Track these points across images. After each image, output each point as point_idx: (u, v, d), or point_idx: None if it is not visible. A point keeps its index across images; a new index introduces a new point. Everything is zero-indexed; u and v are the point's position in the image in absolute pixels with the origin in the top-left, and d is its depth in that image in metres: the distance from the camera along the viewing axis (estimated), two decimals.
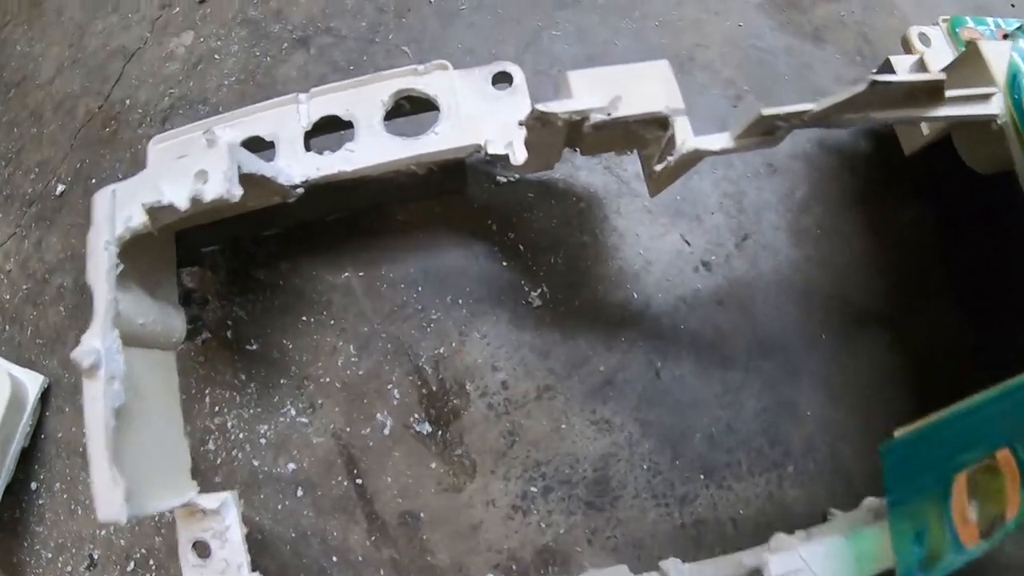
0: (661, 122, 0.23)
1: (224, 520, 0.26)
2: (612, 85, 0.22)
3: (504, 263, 0.30)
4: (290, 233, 0.32)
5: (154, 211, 0.23)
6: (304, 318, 0.31)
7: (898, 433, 0.23)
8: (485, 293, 0.30)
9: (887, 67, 0.33)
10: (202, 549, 0.27)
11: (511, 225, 0.31)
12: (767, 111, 0.21)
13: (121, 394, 0.23)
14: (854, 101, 0.21)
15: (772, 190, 0.33)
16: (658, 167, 0.24)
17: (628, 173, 0.31)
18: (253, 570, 0.26)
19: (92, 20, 0.40)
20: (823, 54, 0.37)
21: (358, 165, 0.27)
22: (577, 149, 0.26)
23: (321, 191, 0.29)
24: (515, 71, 0.27)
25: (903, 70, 0.33)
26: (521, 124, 0.23)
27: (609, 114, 0.21)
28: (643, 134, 0.23)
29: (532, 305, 0.30)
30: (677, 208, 0.31)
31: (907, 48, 0.36)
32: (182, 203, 0.22)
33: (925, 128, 0.33)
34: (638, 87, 0.22)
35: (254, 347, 0.31)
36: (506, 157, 0.25)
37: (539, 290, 0.30)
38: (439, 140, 0.27)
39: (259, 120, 0.28)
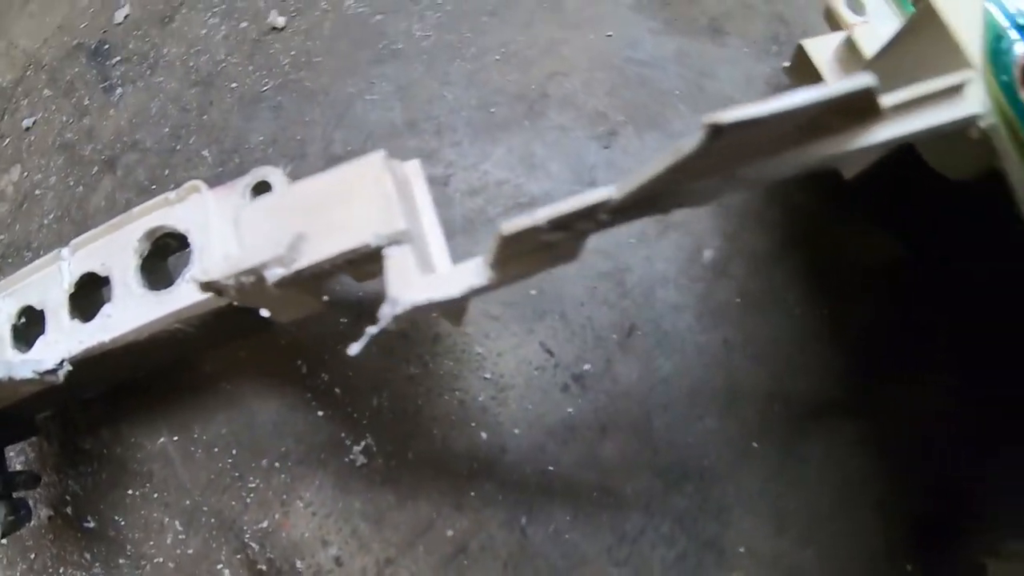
0: (371, 257, 0.14)
1: None
2: (299, 213, 0.14)
3: (320, 412, 0.23)
4: (111, 397, 0.26)
5: None
6: (130, 491, 0.26)
7: None
8: (304, 452, 0.23)
9: (800, 57, 0.22)
10: None
11: (323, 364, 0.23)
12: (509, 228, 0.12)
13: None
14: (690, 166, 0.11)
15: (667, 256, 0.23)
16: (381, 328, 0.15)
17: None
18: None
19: None
20: (725, 52, 0.26)
21: (115, 333, 0.21)
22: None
23: (108, 356, 0.22)
24: (276, 177, 0.19)
25: (823, 59, 0.21)
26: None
27: (287, 271, 0.13)
28: (367, 271, 0.15)
29: (356, 463, 0.22)
30: (533, 307, 0.22)
31: (832, 23, 0.24)
32: None
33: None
34: (338, 209, 0.14)
35: (92, 525, 0.26)
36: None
37: (363, 443, 0.22)
38: (191, 291, 0.19)
39: (28, 287, 0.22)
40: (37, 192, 0.32)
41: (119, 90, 0.32)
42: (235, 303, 0.20)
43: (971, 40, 0.16)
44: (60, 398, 0.28)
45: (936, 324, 0.24)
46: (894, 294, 0.25)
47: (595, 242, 0.23)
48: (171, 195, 0.23)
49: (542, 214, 0.13)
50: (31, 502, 0.27)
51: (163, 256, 0.25)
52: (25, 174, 0.33)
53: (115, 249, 0.23)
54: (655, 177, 0.12)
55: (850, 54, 0.21)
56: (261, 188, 0.22)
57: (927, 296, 0.24)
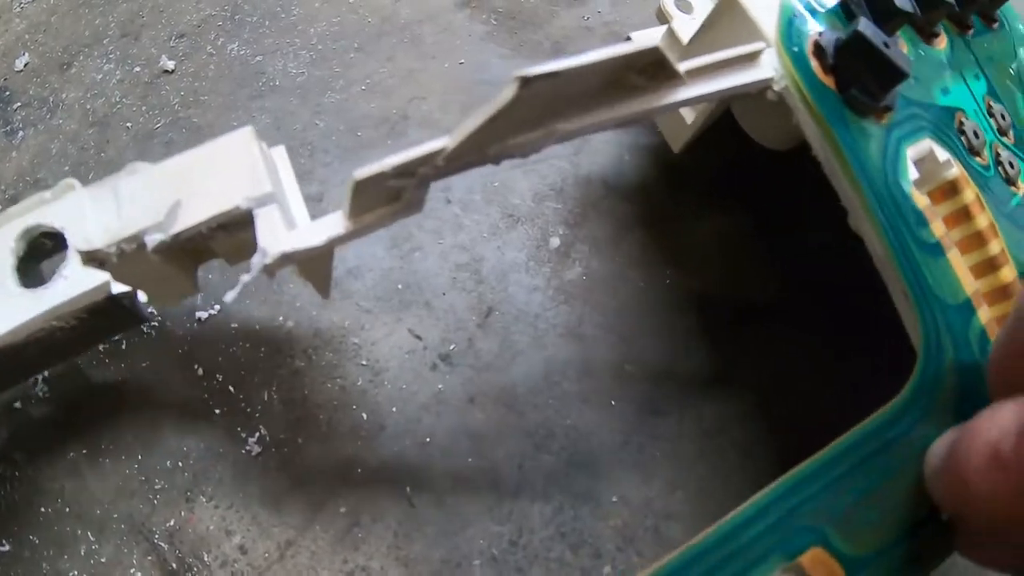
0: (242, 223, 0.14)
1: None
2: (174, 184, 0.14)
3: (217, 411, 0.23)
4: (12, 414, 0.25)
5: None
6: (43, 509, 0.25)
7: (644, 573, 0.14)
8: (203, 450, 0.23)
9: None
10: None
11: (218, 366, 0.23)
12: (361, 173, 0.13)
13: None
14: (509, 117, 0.12)
15: (517, 246, 0.24)
16: (246, 281, 0.15)
17: (338, 272, 0.23)
18: None
19: None
20: None
21: None
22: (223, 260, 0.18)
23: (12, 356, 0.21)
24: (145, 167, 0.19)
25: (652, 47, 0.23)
26: (80, 254, 0.15)
27: (165, 234, 0.13)
28: (239, 240, 0.15)
29: (252, 453, 0.22)
30: (400, 298, 0.23)
31: (663, 21, 0.26)
32: None
33: (687, 114, 0.23)
34: (209, 179, 0.14)
35: (7, 548, 0.25)
36: (133, 296, 0.17)
37: (257, 434, 0.23)
38: (67, 286, 0.19)
39: None
40: None
41: (20, 133, 0.31)
42: (110, 294, 0.19)
43: (767, 20, 0.17)
44: None
45: (769, 285, 0.26)
46: (728, 263, 0.27)
47: (452, 239, 0.24)
48: (46, 194, 0.22)
49: (388, 161, 0.14)
50: None
51: (38, 258, 0.23)
52: None
53: None
54: (480, 126, 0.13)
55: (671, 42, 0.23)
56: None
57: (763, 263, 0.26)
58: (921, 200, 0.16)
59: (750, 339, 0.27)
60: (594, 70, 0.13)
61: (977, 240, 0.17)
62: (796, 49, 0.17)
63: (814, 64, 0.16)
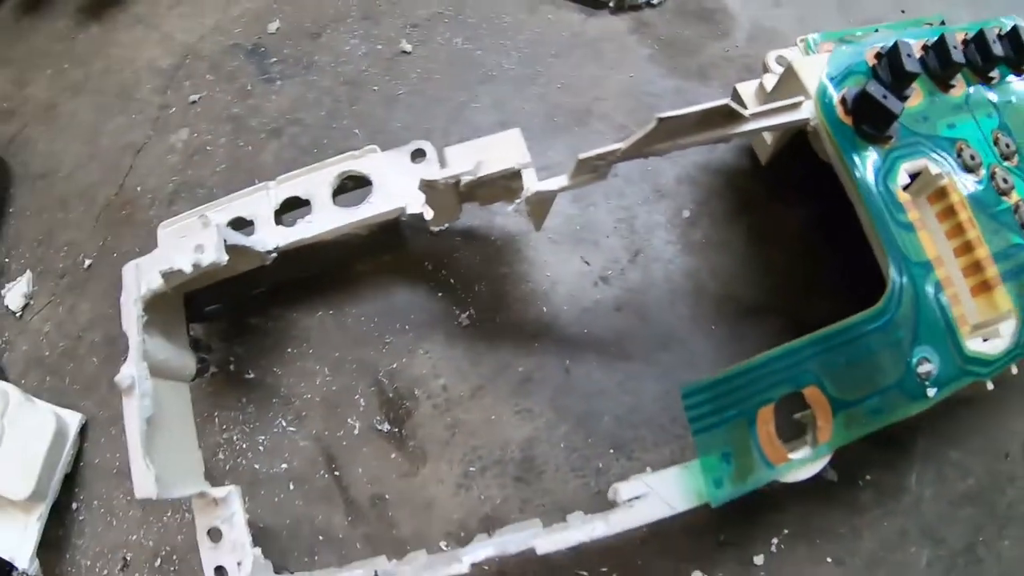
0: (516, 175, 0.37)
1: (230, 508, 0.40)
2: (477, 153, 0.37)
3: (439, 295, 0.45)
4: (276, 290, 0.48)
5: (167, 275, 0.37)
6: (289, 350, 0.46)
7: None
8: (426, 318, 0.45)
9: (736, 95, 0.47)
10: (215, 534, 0.41)
11: (443, 265, 0.45)
12: (583, 155, 0.35)
13: (150, 407, 0.37)
14: (652, 136, 0.34)
15: (661, 212, 0.47)
16: (515, 207, 0.38)
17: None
18: (255, 546, 0.40)
19: (103, 121, 0.57)
20: (708, 90, 0.51)
21: (315, 232, 0.41)
22: (477, 203, 0.41)
23: (294, 254, 0.44)
24: (427, 147, 0.42)
25: (748, 95, 0.45)
26: (418, 190, 0.38)
27: (475, 175, 0.36)
28: (507, 185, 0.38)
29: (462, 325, 0.44)
30: (577, 236, 0.46)
31: (764, 71, 0.50)
32: (187, 268, 0.37)
33: (768, 138, 0.47)
34: (496, 152, 0.37)
35: (251, 376, 0.46)
36: (421, 215, 0.41)
37: (467, 312, 0.44)
38: (371, 208, 0.41)
39: (240, 204, 0.43)
40: (207, 148, 0.54)
41: (278, 82, 0.55)
42: (401, 216, 0.42)
43: (811, 82, 0.36)
44: (233, 293, 0.48)
45: (836, 260, 0.48)
46: (807, 241, 0.49)
47: (617, 201, 0.48)
48: (355, 152, 0.45)
49: (595, 151, 0.37)
50: None
51: (342, 192, 0.46)
52: (195, 135, 0.55)
53: (314, 182, 0.45)
54: (639, 139, 0.35)
55: (760, 91, 0.43)
56: (417, 154, 0.45)
57: (832, 243, 0.48)
58: (903, 196, 0.34)
59: (819, 299, 0.45)
60: (694, 115, 0.33)
61: (959, 229, 0.34)
62: (827, 101, 0.36)
63: (839, 110, 0.35)
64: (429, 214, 0.40)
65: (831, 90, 0.38)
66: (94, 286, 0.50)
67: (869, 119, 0.36)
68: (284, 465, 0.44)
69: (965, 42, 0.42)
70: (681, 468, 0.32)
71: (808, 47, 0.48)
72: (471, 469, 0.41)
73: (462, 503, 0.41)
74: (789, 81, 0.39)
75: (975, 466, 0.42)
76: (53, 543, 0.44)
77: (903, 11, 0.58)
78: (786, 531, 0.40)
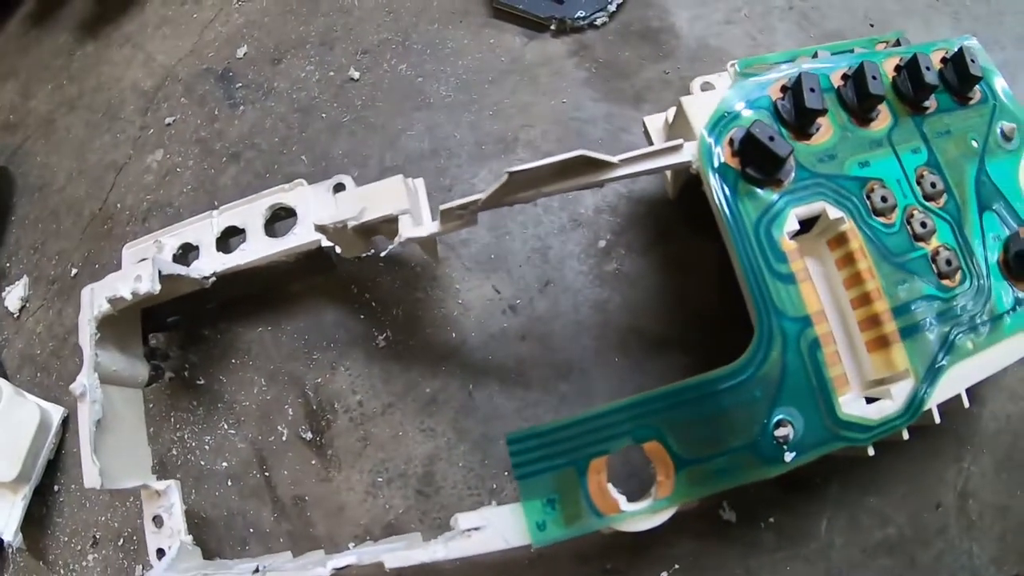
0: (394, 220, 0.41)
1: (170, 499, 0.47)
2: (364, 199, 0.40)
3: (361, 316, 0.49)
4: (224, 305, 0.53)
5: (112, 301, 0.44)
6: (233, 361, 0.52)
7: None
8: (348, 338, 0.49)
9: (645, 128, 0.48)
10: (158, 521, 0.48)
11: (367, 288, 0.49)
12: (444, 206, 0.37)
13: (99, 412, 0.44)
14: (508, 188, 0.37)
15: (576, 242, 0.49)
16: (389, 249, 0.42)
17: (454, 239, 0.50)
18: (189, 534, 0.47)
19: (92, 138, 0.64)
20: (639, 114, 0.52)
21: (247, 260, 0.46)
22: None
23: (240, 274, 0.50)
24: (347, 182, 0.46)
25: (655, 129, 0.42)
26: (316, 227, 0.42)
27: (358, 220, 0.40)
28: (389, 228, 0.41)
29: (379, 346, 0.48)
30: (491, 264, 0.49)
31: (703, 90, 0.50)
32: (127, 295, 0.43)
33: (668, 176, 0.47)
34: (380, 198, 0.40)
35: (202, 382, 0.53)
36: (332, 248, 0.45)
37: (384, 334, 0.49)
38: (295, 239, 0.46)
39: (189, 231, 0.49)
40: (178, 169, 0.60)
41: (241, 107, 0.60)
42: (321, 245, 0.47)
43: (699, 122, 0.35)
44: (190, 306, 0.55)
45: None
46: (722, 276, 0.49)
47: (533, 230, 0.50)
48: (285, 186, 0.50)
49: (456, 202, 0.39)
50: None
51: (275, 221, 0.52)
52: (167, 156, 0.61)
53: (250, 213, 0.50)
54: (495, 191, 0.36)
55: (666, 125, 0.41)
56: (339, 187, 0.49)
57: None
58: (788, 245, 0.32)
59: (721, 332, 0.50)
60: (549, 167, 0.34)
61: (858, 278, 0.33)
62: (707, 145, 0.35)
63: (726, 151, 0.34)
64: (338, 248, 0.44)
65: (711, 137, 0.36)
66: (79, 294, 0.57)
67: (756, 162, 0.34)
68: (224, 464, 0.50)
69: (897, 68, 0.39)
70: (516, 506, 0.33)
71: (739, 72, 0.48)
72: (379, 479, 0.46)
73: (369, 510, 0.46)
74: (680, 119, 0.38)
75: (896, 515, 0.42)
76: (36, 520, 0.53)
77: (872, 24, 0.57)
78: (676, 566, 0.42)
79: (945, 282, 0.35)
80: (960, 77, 0.39)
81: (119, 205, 0.59)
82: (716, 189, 0.35)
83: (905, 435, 0.34)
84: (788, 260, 0.34)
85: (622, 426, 0.33)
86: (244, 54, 0.61)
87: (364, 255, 0.47)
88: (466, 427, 0.46)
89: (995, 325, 0.36)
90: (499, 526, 0.35)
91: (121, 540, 0.51)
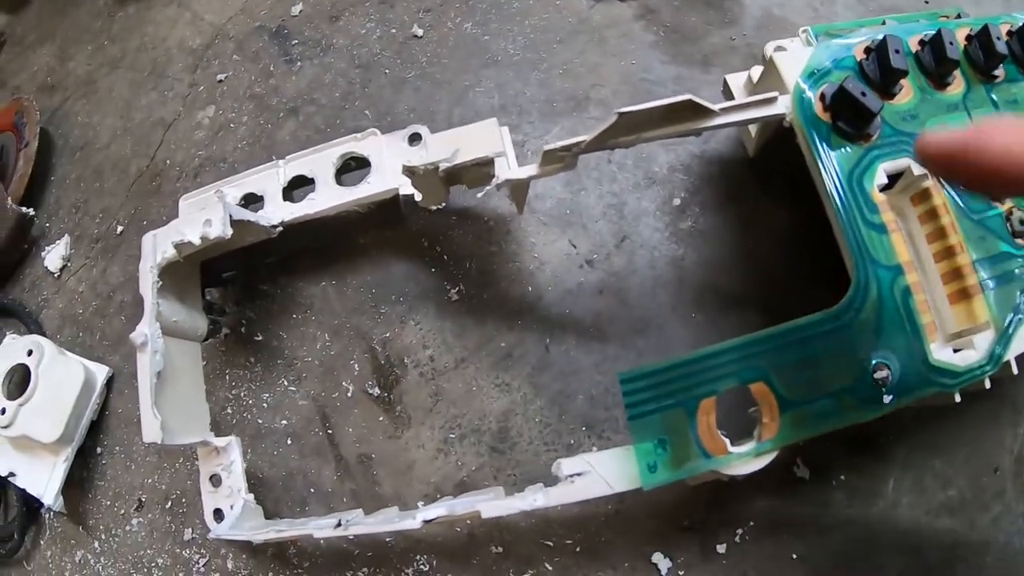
0: (490, 162, 0.41)
1: (230, 456, 0.46)
2: (456, 141, 0.40)
3: (432, 270, 0.49)
4: (286, 260, 0.53)
5: (179, 246, 0.43)
6: (294, 316, 0.52)
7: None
8: (419, 292, 0.49)
9: (725, 86, 0.49)
10: (216, 480, 0.47)
11: (438, 242, 0.49)
12: (548, 146, 0.38)
13: (161, 363, 0.43)
14: (614, 130, 0.36)
15: (651, 199, 0.49)
16: (485, 193, 0.42)
17: (532, 195, 0.50)
18: (249, 492, 0.46)
19: (137, 96, 0.64)
20: (709, 77, 0.53)
21: (317, 209, 0.46)
22: (464, 185, 0.45)
23: (303, 227, 0.49)
24: (424, 132, 0.46)
25: (737, 86, 0.44)
26: (401, 174, 0.42)
27: (451, 162, 0.40)
28: (483, 172, 0.41)
29: (452, 299, 0.48)
30: (567, 219, 0.49)
31: (760, 63, 0.51)
32: (196, 240, 0.42)
33: (752, 131, 0.48)
34: (474, 140, 0.40)
35: (260, 338, 0.52)
36: (412, 196, 0.45)
37: (457, 288, 0.48)
38: (368, 188, 0.45)
39: (252, 181, 0.48)
40: (231, 125, 0.60)
41: (299, 63, 0.60)
42: (398, 194, 0.47)
43: (791, 76, 0.36)
44: (248, 261, 0.54)
45: (822, 256, 0.49)
46: (794, 235, 0.50)
47: (608, 187, 0.51)
48: (357, 135, 0.50)
49: (560, 143, 0.40)
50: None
51: (345, 172, 0.52)
52: (220, 112, 0.61)
53: (319, 162, 0.50)
54: (601, 132, 0.37)
55: (749, 83, 0.43)
56: (414, 138, 0.49)
57: (820, 239, 0.50)
58: (879, 197, 0.33)
59: (798, 295, 0.50)
60: (657, 110, 0.34)
61: (940, 233, 0.33)
62: (804, 96, 0.36)
63: (818, 106, 0.35)
64: (419, 195, 0.44)
65: (807, 87, 0.38)
66: (125, 251, 0.56)
67: (847, 116, 0.36)
68: (284, 422, 0.49)
69: (969, 38, 0.41)
70: (622, 450, 0.34)
71: (811, 38, 0.49)
72: (451, 436, 0.46)
73: (440, 468, 0.45)
74: (771, 75, 0.39)
75: (958, 478, 0.43)
76: (77, 483, 0.51)
77: (926, 1, 0.58)
78: (752, 523, 0.42)
79: (1020, 240, 0.36)
80: None
81: (168, 161, 0.58)
82: (812, 140, 0.37)
83: (987, 384, 0.35)
84: (880, 211, 0.35)
85: (730, 367, 0.34)
86: (300, 11, 0.61)
87: (438, 206, 0.46)
88: (542, 382, 0.46)
89: None
90: (603, 471, 0.35)
91: (169, 503, 0.50)
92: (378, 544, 0.45)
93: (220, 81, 0.60)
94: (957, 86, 0.39)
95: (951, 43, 0.38)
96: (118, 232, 0.57)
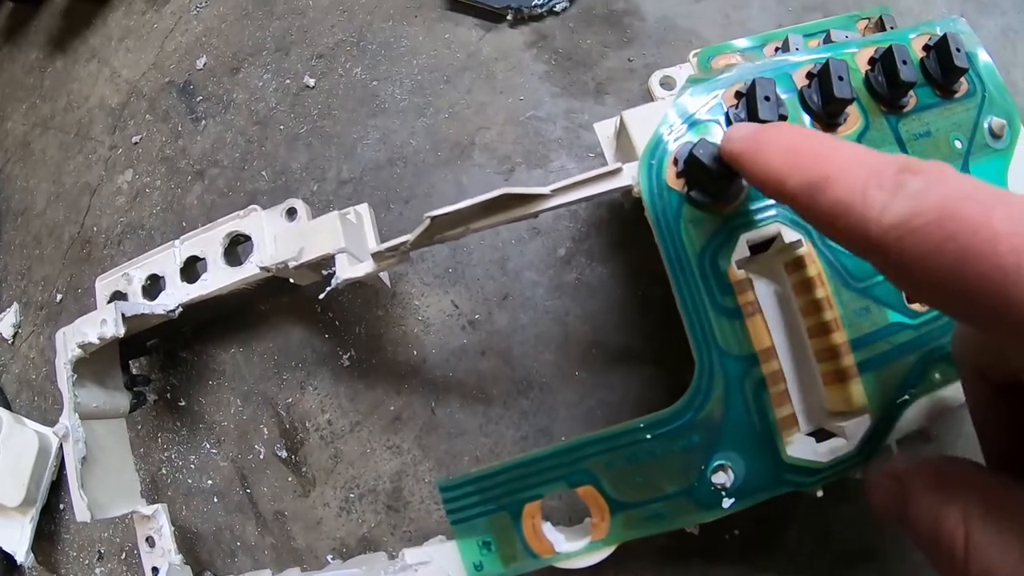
0: (331, 259, 0.45)
1: (159, 522, 0.54)
2: (301, 238, 0.45)
3: (326, 335, 0.54)
4: (198, 328, 0.59)
5: (82, 346, 0.50)
6: (210, 382, 0.58)
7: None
8: (315, 358, 0.55)
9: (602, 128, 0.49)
10: (150, 541, 0.55)
11: (330, 307, 0.54)
12: (374, 249, 0.42)
13: (83, 449, 0.51)
14: (432, 231, 0.40)
15: (534, 252, 0.52)
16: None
17: (412, 256, 0.53)
18: (179, 553, 0.54)
19: (66, 160, 0.70)
20: (603, 109, 0.54)
21: (208, 290, 0.52)
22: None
23: (204, 303, 0.55)
24: (299, 205, 0.51)
25: (606, 137, 0.40)
26: (260, 268, 0.47)
27: (297, 261, 0.44)
28: (328, 266, 0.46)
29: (344, 365, 0.54)
30: (450, 278, 0.53)
31: (652, 99, 0.52)
32: (95, 340, 0.50)
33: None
34: (317, 236, 0.45)
35: (183, 404, 0.59)
36: (287, 279, 0.50)
37: (348, 353, 0.54)
38: (251, 267, 0.52)
39: (153, 262, 0.55)
40: (147, 190, 0.66)
41: (203, 122, 0.65)
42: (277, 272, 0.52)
43: (641, 140, 0.33)
44: (167, 330, 0.61)
45: None
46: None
47: (490, 240, 0.54)
48: (240, 213, 0.55)
49: (386, 244, 0.43)
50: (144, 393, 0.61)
51: (235, 246, 0.57)
52: (136, 176, 0.67)
53: (208, 243, 0.56)
54: (420, 234, 0.39)
55: (615, 131, 0.40)
56: (291, 213, 0.54)
57: None
58: (736, 275, 0.30)
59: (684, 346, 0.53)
60: (473, 208, 0.35)
61: (815, 307, 0.31)
62: (654, 163, 0.32)
63: (669, 172, 0.31)
64: (291, 279, 0.49)
65: (654, 155, 0.34)
66: (65, 319, 0.64)
67: (700, 184, 0.32)
68: (210, 481, 0.56)
69: (872, 60, 0.37)
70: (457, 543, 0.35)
71: (701, 64, 0.49)
72: (351, 495, 0.52)
73: (344, 524, 0.52)
74: (623, 136, 0.37)
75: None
76: (48, 536, 0.61)
77: None
78: None
79: (915, 307, 0.33)
80: (944, 69, 0.36)
81: (95, 228, 0.65)
82: (657, 219, 0.34)
83: (859, 475, 0.33)
84: (735, 292, 0.33)
85: (555, 471, 0.34)
86: (204, 64, 0.65)
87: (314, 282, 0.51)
88: (430, 444, 0.51)
89: None
90: (444, 563, 0.39)
91: (123, 554, 0.59)
92: None
93: (136, 143, 0.65)
94: (852, 124, 0.34)
95: (840, 78, 0.33)
96: (58, 300, 0.65)
